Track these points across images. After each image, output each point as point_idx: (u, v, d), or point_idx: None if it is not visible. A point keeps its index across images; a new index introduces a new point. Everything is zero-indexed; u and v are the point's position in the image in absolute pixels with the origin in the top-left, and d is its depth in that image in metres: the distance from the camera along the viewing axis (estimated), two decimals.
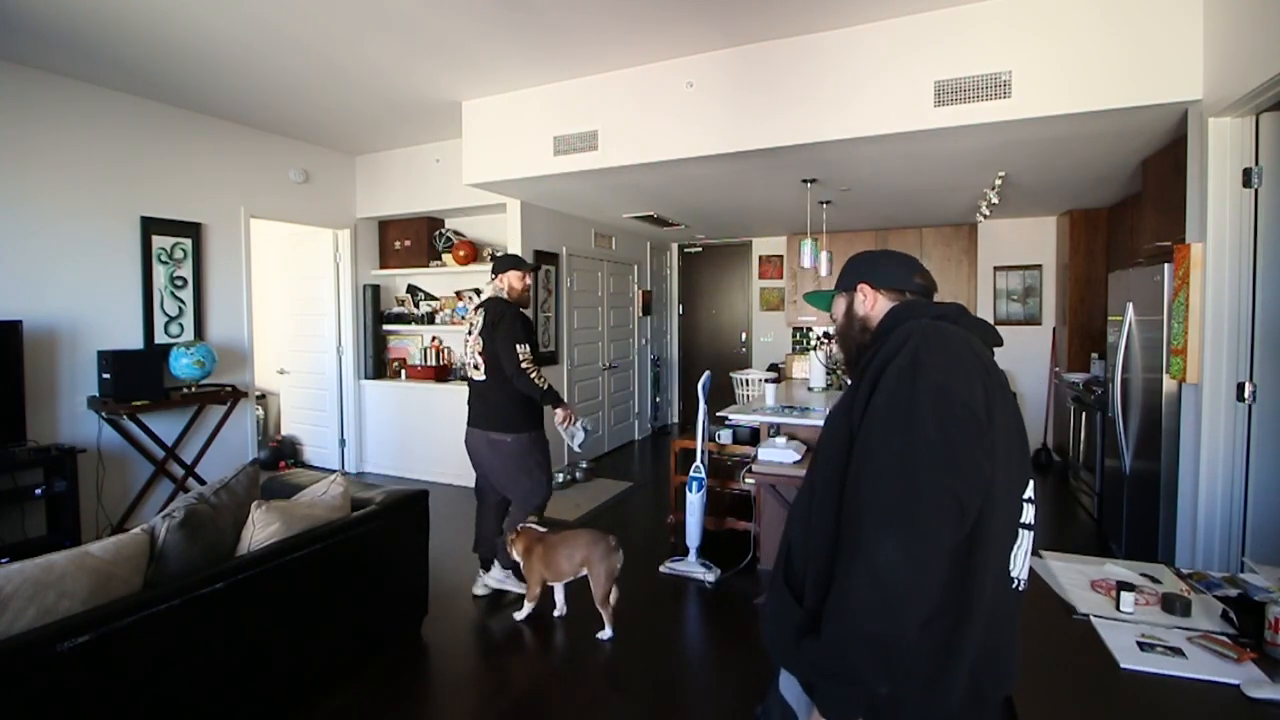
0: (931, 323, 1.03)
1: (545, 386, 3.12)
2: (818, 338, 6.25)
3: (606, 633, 2.85)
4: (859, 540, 0.89)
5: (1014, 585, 0.99)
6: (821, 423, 1.18)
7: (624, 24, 3.21)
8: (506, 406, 3.18)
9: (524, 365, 3.07)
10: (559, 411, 3.20)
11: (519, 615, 3.01)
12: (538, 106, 4.09)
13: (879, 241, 6.56)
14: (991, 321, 6.22)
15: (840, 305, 1.24)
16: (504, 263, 3.30)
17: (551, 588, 3.03)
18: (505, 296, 3.27)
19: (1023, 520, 1.00)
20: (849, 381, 1.10)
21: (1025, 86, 2.91)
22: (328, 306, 5.76)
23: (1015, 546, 0.99)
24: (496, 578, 3.35)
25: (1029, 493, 1.02)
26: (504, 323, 3.13)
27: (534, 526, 3.03)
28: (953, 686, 0.92)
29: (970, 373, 0.93)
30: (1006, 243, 6.34)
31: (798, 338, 7.27)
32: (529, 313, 3.43)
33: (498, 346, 3.11)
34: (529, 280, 3.33)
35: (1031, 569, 1.73)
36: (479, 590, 3.34)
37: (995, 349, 1.07)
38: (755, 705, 1.16)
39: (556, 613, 3.06)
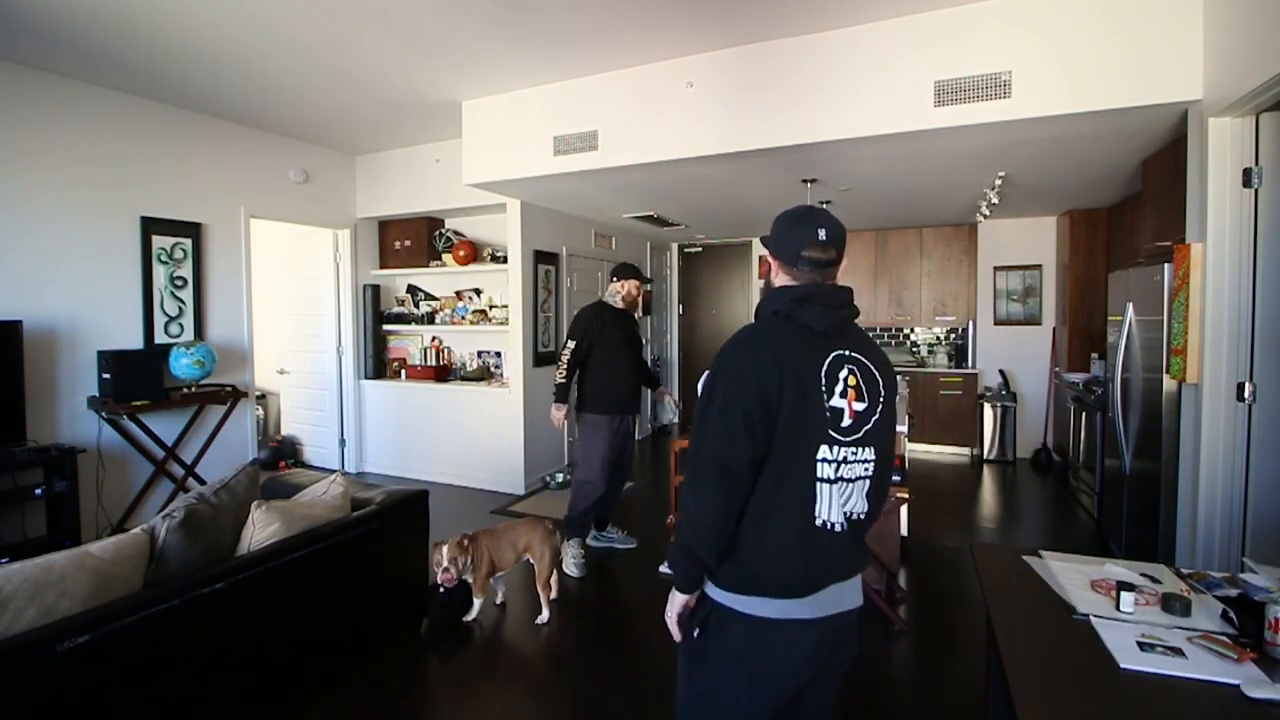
0: (749, 330, 1.35)
1: (559, 379, 3.64)
2: None
3: (544, 616, 2.98)
4: (684, 486, 1.33)
5: (828, 527, 1.29)
6: None
7: (624, 24, 3.21)
8: (581, 389, 3.76)
9: (560, 359, 3.65)
10: (659, 391, 4.00)
11: (469, 617, 3.00)
12: (538, 106, 4.09)
13: (879, 241, 6.57)
14: (992, 321, 6.31)
15: (765, 266, 1.51)
16: (615, 270, 3.87)
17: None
18: (610, 300, 3.82)
19: (819, 476, 1.28)
20: None
21: (1025, 86, 2.91)
22: (328, 306, 5.76)
23: (817, 501, 1.28)
24: (610, 536, 3.98)
25: (823, 454, 1.28)
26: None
27: (466, 536, 2.96)
28: (773, 570, 1.29)
29: (749, 387, 1.25)
30: (1006, 243, 6.34)
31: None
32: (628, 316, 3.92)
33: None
34: (629, 286, 3.79)
35: (1031, 568, 1.74)
36: (590, 541, 3.95)
37: (853, 317, 1.39)
38: None
39: (498, 600, 3.20)
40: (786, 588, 1.29)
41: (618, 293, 3.78)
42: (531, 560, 3.05)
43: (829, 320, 1.32)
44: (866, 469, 1.32)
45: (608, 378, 3.66)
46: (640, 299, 3.91)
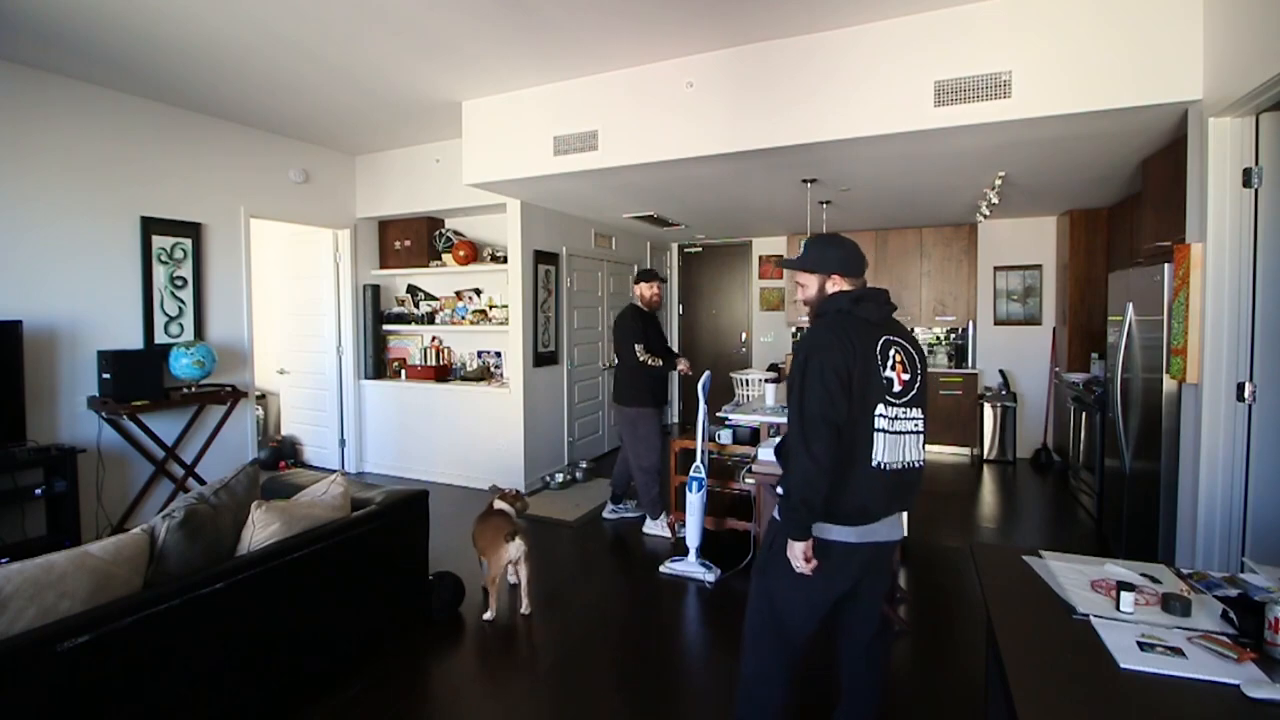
0: (833, 316, 1.77)
1: (659, 364, 4.15)
2: None
3: (489, 614, 3.06)
4: (793, 452, 1.68)
5: (879, 467, 1.69)
6: None
7: (624, 24, 3.21)
8: (624, 386, 4.23)
9: (641, 359, 4.10)
10: (680, 364, 4.28)
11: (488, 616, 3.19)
12: (537, 106, 4.09)
13: (879, 241, 6.57)
14: (992, 321, 6.30)
15: (814, 283, 1.87)
16: (637, 276, 4.33)
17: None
18: (638, 303, 4.26)
19: (877, 427, 1.68)
20: None
21: (1025, 86, 2.91)
22: (328, 306, 5.76)
23: (874, 447, 1.68)
24: (624, 509, 4.56)
25: (880, 411, 1.69)
26: (620, 325, 4.26)
27: (504, 507, 3.29)
28: (844, 502, 1.71)
29: (835, 353, 1.66)
30: (1006, 243, 6.34)
31: (798, 338, 7.27)
32: (645, 315, 4.35)
33: (617, 342, 4.28)
34: (656, 289, 4.29)
35: (1031, 568, 1.75)
36: (606, 514, 4.58)
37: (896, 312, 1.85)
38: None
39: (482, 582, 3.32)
40: (849, 515, 1.70)
41: (640, 296, 4.26)
42: (485, 561, 3.14)
43: (880, 314, 1.78)
44: (917, 425, 1.76)
45: (652, 376, 4.17)
46: (655, 297, 4.30)
